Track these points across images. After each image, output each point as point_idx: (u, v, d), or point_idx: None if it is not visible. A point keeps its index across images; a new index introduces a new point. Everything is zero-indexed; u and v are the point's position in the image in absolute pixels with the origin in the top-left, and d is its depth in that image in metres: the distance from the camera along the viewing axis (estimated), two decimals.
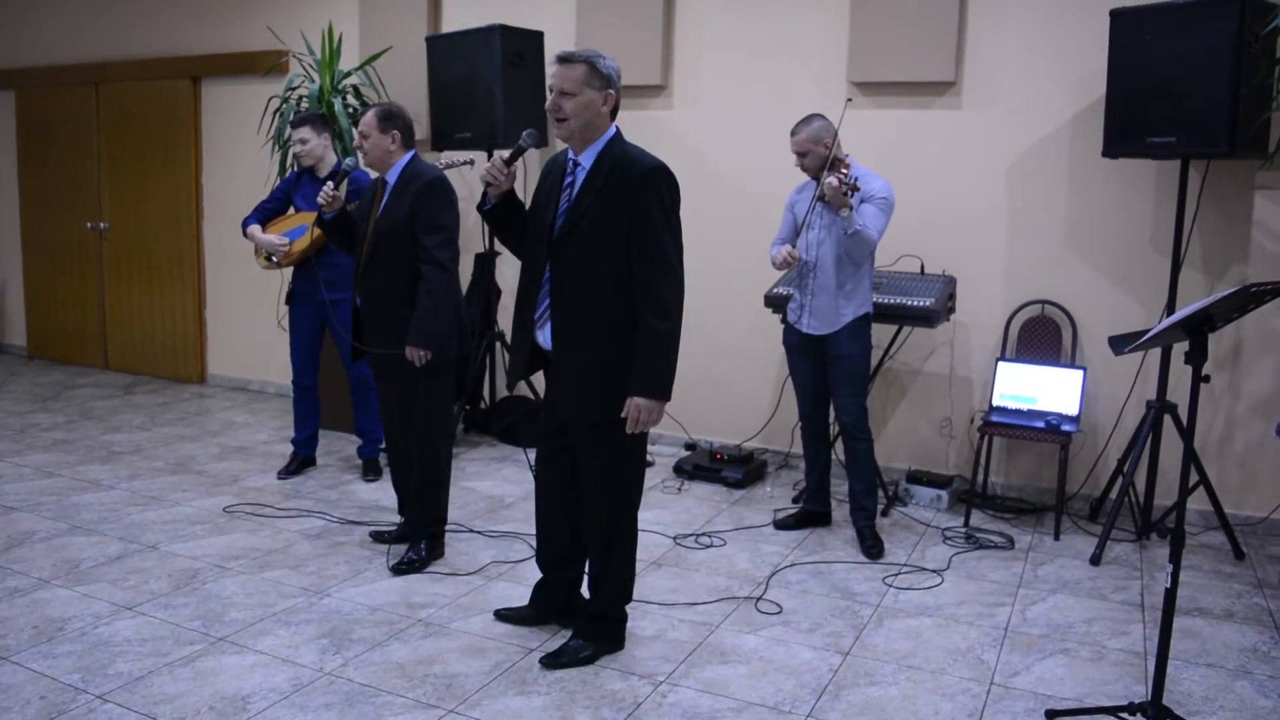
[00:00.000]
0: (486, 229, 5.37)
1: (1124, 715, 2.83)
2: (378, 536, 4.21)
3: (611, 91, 2.93)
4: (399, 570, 3.86)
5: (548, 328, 3.04)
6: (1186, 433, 2.73)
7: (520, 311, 3.13)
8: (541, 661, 3.18)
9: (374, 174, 3.98)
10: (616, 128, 3.00)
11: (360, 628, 3.43)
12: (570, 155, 3.02)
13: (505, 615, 3.49)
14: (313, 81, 5.51)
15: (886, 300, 4.56)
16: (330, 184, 3.74)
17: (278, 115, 5.57)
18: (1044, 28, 4.70)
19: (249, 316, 6.98)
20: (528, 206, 3.18)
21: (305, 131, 4.72)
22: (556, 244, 2.96)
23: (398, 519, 4.29)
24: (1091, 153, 4.63)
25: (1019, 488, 4.97)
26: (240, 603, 3.61)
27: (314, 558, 4.05)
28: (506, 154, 3.02)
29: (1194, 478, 4.32)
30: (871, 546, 4.23)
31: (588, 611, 3.28)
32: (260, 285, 6.81)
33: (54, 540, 4.16)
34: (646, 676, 3.14)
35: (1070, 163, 4.73)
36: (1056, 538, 4.45)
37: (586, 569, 3.33)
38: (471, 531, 4.36)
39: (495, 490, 4.98)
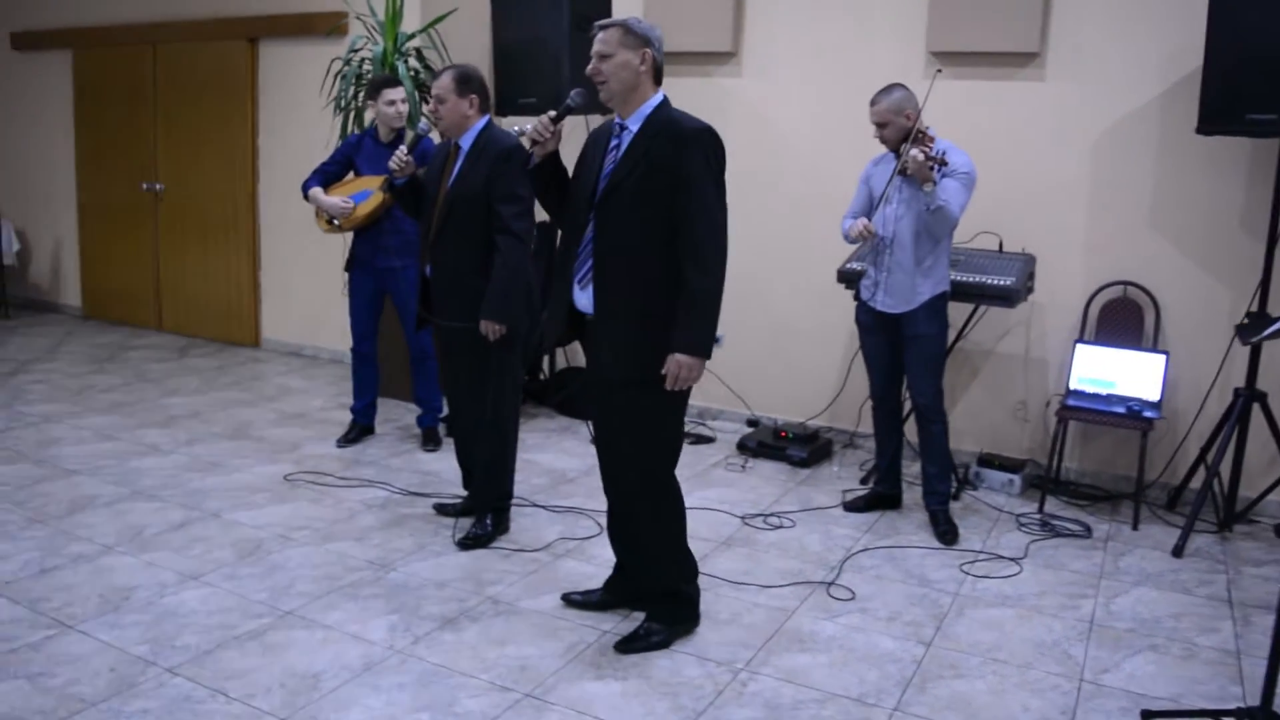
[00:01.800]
0: None
1: None
2: (442, 509, 4.15)
3: (649, 50, 2.93)
4: (465, 545, 3.80)
5: (589, 290, 3.00)
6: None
7: (560, 274, 3.11)
8: (616, 647, 3.11)
9: (437, 139, 3.88)
10: (664, 94, 2.99)
11: (429, 603, 3.37)
12: (617, 120, 3.00)
13: (575, 601, 3.41)
14: (376, 44, 5.39)
15: (964, 278, 4.41)
16: (403, 148, 3.64)
17: (339, 78, 5.47)
18: None
19: (304, 281, 6.95)
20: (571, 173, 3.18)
21: (399, 92, 4.63)
22: (600, 204, 2.95)
23: (460, 491, 4.23)
24: (1180, 129, 4.44)
25: (1093, 474, 4.82)
26: (306, 575, 3.56)
27: (378, 529, 4.00)
28: (554, 113, 2.99)
29: None
30: (945, 532, 4.12)
31: (655, 592, 3.19)
32: (315, 249, 6.76)
33: (116, 505, 4.14)
34: (725, 663, 3.06)
35: (1158, 139, 4.53)
36: (1135, 527, 4.30)
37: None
38: (535, 506, 4.29)
39: (557, 464, 4.90)
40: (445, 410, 5.17)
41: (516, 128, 4.25)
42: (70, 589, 3.38)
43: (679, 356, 2.89)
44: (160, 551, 3.71)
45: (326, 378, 6.47)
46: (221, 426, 5.33)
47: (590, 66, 2.95)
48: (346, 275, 4.93)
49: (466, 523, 3.95)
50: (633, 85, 2.92)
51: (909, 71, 4.91)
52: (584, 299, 3.04)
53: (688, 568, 3.23)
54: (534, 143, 2.99)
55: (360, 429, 5.14)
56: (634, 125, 2.95)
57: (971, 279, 4.42)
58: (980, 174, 4.40)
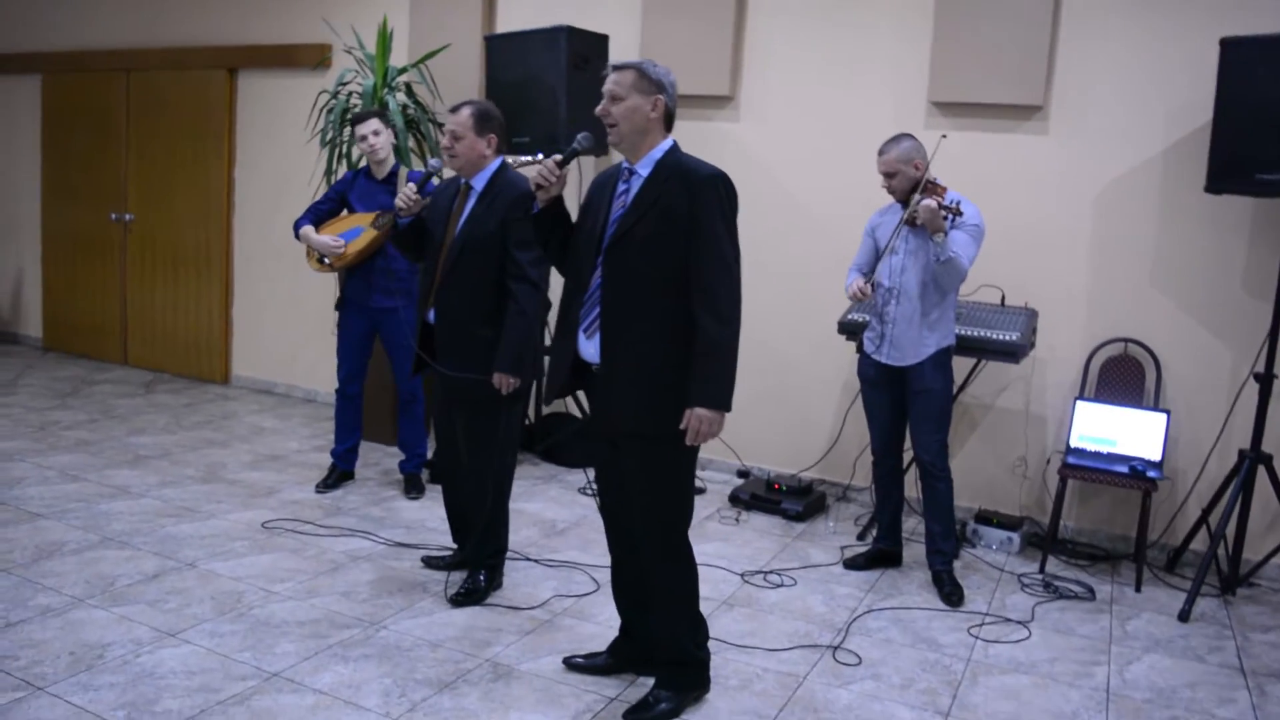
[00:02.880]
0: None
1: None
2: (431, 562, 3.98)
3: (661, 98, 2.84)
4: (459, 602, 3.63)
5: (596, 339, 2.88)
6: None
7: (563, 323, 2.98)
8: (625, 717, 2.95)
9: (433, 177, 3.74)
10: (674, 140, 2.91)
11: (424, 666, 3.19)
12: (625, 165, 2.92)
13: (578, 665, 3.24)
14: (366, 77, 5.27)
15: (968, 332, 4.35)
16: (412, 185, 3.50)
17: (325, 112, 5.33)
18: (1140, 54, 4.50)
19: (277, 317, 6.76)
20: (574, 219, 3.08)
21: (376, 124, 4.49)
22: (609, 250, 2.84)
23: (448, 542, 4.06)
24: (1183, 187, 4.44)
25: (1090, 532, 4.76)
26: (292, 632, 3.37)
27: (365, 584, 3.81)
28: (559, 156, 2.88)
29: None
30: (951, 593, 4.01)
31: (666, 658, 3.04)
32: (290, 285, 6.60)
33: (85, 553, 3.92)
34: None
35: (1161, 196, 4.53)
36: (1138, 589, 4.23)
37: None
38: (528, 560, 4.13)
39: (546, 513, 4.75)
40: (429, 455, 5.01)
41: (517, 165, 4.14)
42: (39, 645, 3.15)
43: (699, 411, 2.76)
44: (134, 605, 3.49)
45: (300, 418, 6.26)
46: (194, 468, 5.11)
47: (600, 107, 2.86)
48: (336, 314, 4.77)
49: (458, 577, 3.77)
50: (643, 130, 2.84)
51: (910, 121, 4.89)
52: (589, 348, 2.91)
53: (700, 632, 3.09)
54: (538, 187, 2.88)
55: (340, 474, 4.95)
56: (644, 170, 2.86)
57: (975, 333, 4.36)
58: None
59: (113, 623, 3.34)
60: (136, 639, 3.24)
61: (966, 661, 3.49)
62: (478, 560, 3.70)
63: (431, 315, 3.60)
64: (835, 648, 3.53)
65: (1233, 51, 3.94)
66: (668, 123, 2.90)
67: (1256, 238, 4.37)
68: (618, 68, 2.88)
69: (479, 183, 3.60)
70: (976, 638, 3.69)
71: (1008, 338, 4.32)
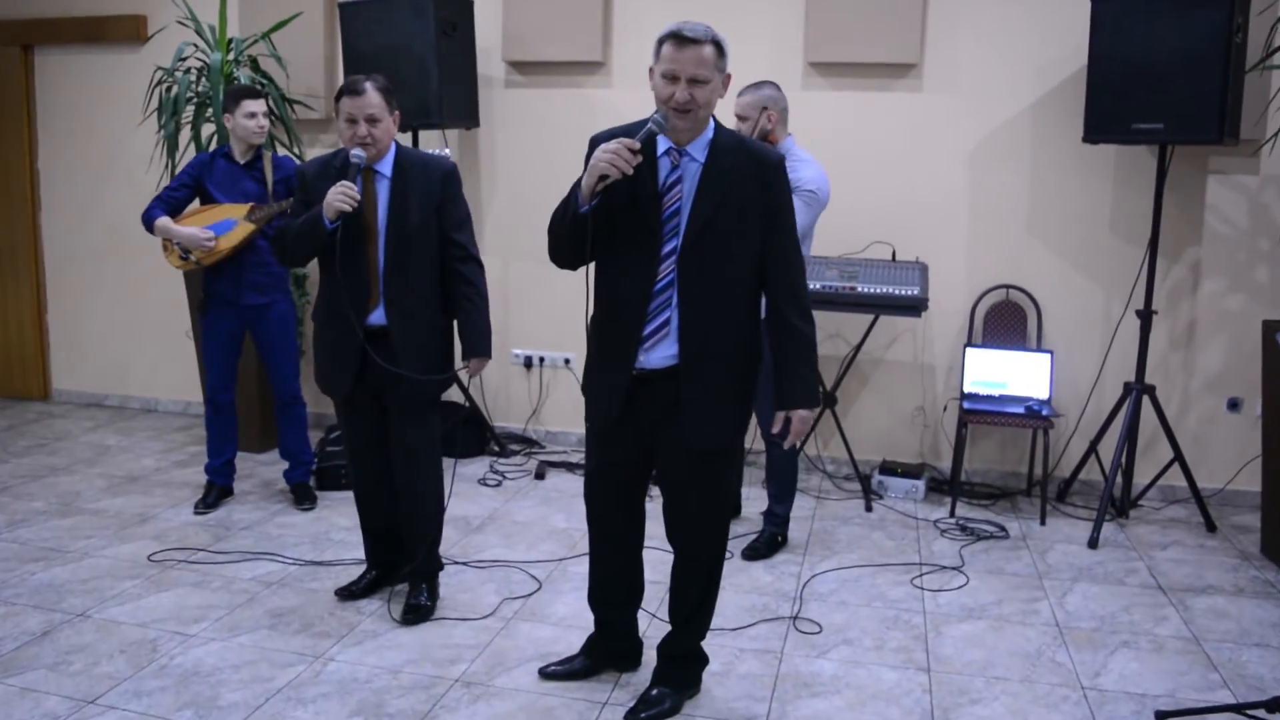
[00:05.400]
0: None
1: (1253, 714, 2.78)
2: (346, 593, 3.58)
3: (729, 73, 2.56)
4: (411, 620, 3.36)
5: (663, 346, 2.60)
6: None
7: (617, 335, 2.64)
8: (629, 717, 2.82)
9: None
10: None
11: (393, 698, 2.93)
12: (668, 144, 2.56)
13: (555, 673, 3.06)
14: (211, 51, 4.73)
15: (870, 289, 4.43)
16: (348, 183, 3.05)
17: (166, 91, 4.76)
18: (1009, 11, 4.66)
19: (102, 321, 6.07)
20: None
21: (260, 104, 4.05)
22: (684, 249, 2.54)
23: (360, 555, 3.75)
24: (1053, 138, 4.67)
25: (983, 472, 4.98)
26: (229, 680, 3.02)
27: (290, 612, 3.47)
28: (636, 142, 2.44)
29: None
30: (758, 548, 4.06)
31: (671, 652, 2.93)
32: (115, 284, 5.95)
33: None
34: None
35: (1032, 148, 4.73)
36: (1043, 523, 4.46)
37: (672, 608, 2.97)
38: (457, 564, 3.89)
39: (455, 510, 4.46)
40: (315, 462, 4.64)
41: (439, 150, 3.76)
42: None
43: (800, 413, 2.63)
44: (32, 671, 3.02)
45: (146, 431, 5.67)
46: (42, 500, 4.51)
47: (680, 91, 2.43)
48: (189, 317, 4.31)
49: (375, 597, 3.54)
50: (712, 112, 2.55)
51: (788, 82, 4.85)
52: (654, 358, 2.60)
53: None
54: (602, 178, 2.43)
55: (219, 491, 4.50)
56: (699, 154, 2.54)
57: (879, 290, 4.43)
58: (861, 184, 4.42)
59: (14, 697, 2.88)
60: (50, 713, 2.81)
61: (923, 614, 3.56)
62: (426, 573, 3.45)
63: (379, 316, 3.25)
64: (794, 618, 3.52)
65: (1104, 8, 4.13)
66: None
67: (1121, 183, 4.65)
68: (696, 40, 2.41)
69: (386, 167, 3.25)
70: (922, 589, 3.77)
71: (910, 293, 4.42)
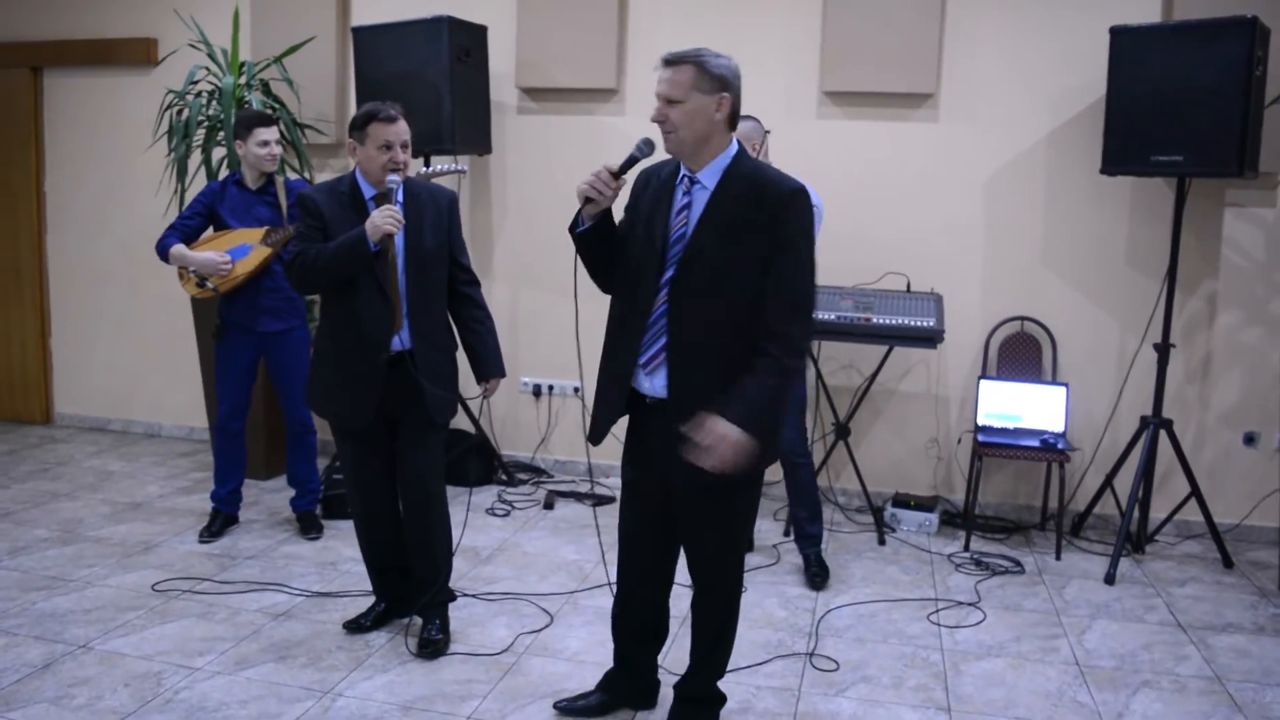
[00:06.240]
0: None
1: None
2: (356, 627, 3.52)
3: (727, 95, 2.49)
4: (428, 654, 3.30)
5: (660, 374, 2.58)
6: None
7: (616, 352, 2.66)
8: None
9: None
10: (738, 143, 2.58)
11: None
12: (685, 171, 2.58)
13: (569, 709, 3.00)
14: (223, 74, 4.71)
15: (886, 320, 4.39)
16: (391, 206, 3.06)
17: (177, 114, 4.74)
18: (1025, 42, 4.66)
19: (106, 345, 6.03)
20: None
21: (273, 131, 4.05)
22: (676, 276, 2.53)
23: (368, 586, 3.68)
24: (1069, 169, 4.65)
25: (996, 506, 4.92)
26: (236, 714, 2.95)
27: (297, 645, 3.41)
28: (615, 165, 2.54)
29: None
30: (817, 574, 4.05)
31: (689, 694, 2.87)
32: (122, 310, 5.92)
33: None
34: None
35: (1048, 179, 4.71)
36: (1058, 557, 4.40)
37: (693, 642, 2.90)
38: (467, 595, 3.83)
39: (465, 541, 4.40)
40: (322, 490, 4.59)
41: (425, 170, 3.81)
42: None
43: (730, 435, 2.40)
44: (33, 705, 2.96)
45: (150, 457, 5.61)
46: (44, 528, 4.45)
47: (656, 111, 2.51)
48: (216, 343, 4.27)
49: (385, 632, 3.48)
50: (705, 135, 2.50)
51: (803, 112, 4.89)
52: (652, 383, 2.60)
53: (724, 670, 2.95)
54: (587, 200, 2.53)
55: (225, 519, 4.44)
56: (708, 181, 2.54)
57: (894, 321, 4.39)
58: (874, 214, 4.38)
59: None
60: None
61: (941, 651, 3.50)
62: (439, 605, 3.39)
63: (404, 340, 3.21)
64: (811, 654, 3.46)
65: (1123, 40, 4.13)
66: (732, 123, 2.54)
67: (1137, 215, 4.62)
68: (671, 61, 2.48)
69: (399, 192, 3.24)
70: (939, 625, 3.71)
71: (926, 324, 4.38)
